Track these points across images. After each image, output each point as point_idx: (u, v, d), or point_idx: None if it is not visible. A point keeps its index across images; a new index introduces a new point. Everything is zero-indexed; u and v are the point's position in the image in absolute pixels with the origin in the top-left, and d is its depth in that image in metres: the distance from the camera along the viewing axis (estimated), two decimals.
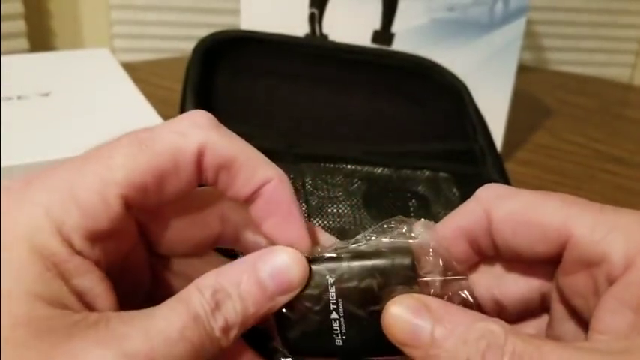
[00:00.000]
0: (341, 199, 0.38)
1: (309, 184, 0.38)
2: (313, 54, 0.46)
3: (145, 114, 0.48)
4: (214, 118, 0.24)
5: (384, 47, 0.58)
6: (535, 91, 0.85)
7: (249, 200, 0.24)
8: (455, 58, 0.58)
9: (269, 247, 0.24)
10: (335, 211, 0.37)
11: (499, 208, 0.24)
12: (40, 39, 1.17)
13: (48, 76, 0.54)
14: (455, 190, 0.41)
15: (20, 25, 1.10)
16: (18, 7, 1.09)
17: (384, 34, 0.57)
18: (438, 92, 0.50)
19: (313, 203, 0.37)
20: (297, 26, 0.57)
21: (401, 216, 0.25)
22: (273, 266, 0.23)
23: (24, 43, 1.11)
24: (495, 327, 0.21)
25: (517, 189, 0.25)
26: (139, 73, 0.62)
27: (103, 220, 0.21)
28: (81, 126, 0.45)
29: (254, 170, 0.23)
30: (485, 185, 0.26)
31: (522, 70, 0.61)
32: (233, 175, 0.23)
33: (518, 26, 0.57)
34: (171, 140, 0.22)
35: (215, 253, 0.27)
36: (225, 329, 0.21)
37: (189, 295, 0.21)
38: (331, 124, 0.43)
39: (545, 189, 0.48)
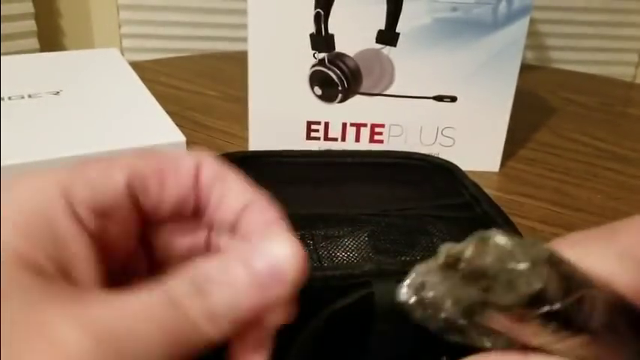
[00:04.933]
0: (347, 241, 0.40)
1: (318, 234, 0.40)
2: (313, 162, 0.50)
3: (153, 112, 0.48)
4: None
5: (377, 149, 0.61)
6: (538, 89, 0.85)
7: (238, 215, 0.25)
8: (458, 58, 0.58)
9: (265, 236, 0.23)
10: (344, 254, 0.39)
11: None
12: (50, 38, 1.17)
13: (58, 75, 0.55)
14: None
15: (31, 25, 1.11)
16: (28, 7, 1.10)
17: (388, 34, 0.58)
18: (433, 173, 0.54)
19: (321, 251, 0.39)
20: (302, 26, 0.57)
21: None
22: (269, 254, 0.21)
23: (34, 42, 1.12)
24: None
25: None
26: (148, 72, 0.63)
27: (110, 195, 0.23)
28: (90, 124, 0.46)
29: (245, 186, 0.25)
30: None
31: (525, 68, 0.61)
32: (227, 187, 0.25)
33: (521, 26, 0.57)
34: (173, 154, 0.25)
35: None
36: (211, 318, 0.20)
37: (169, 279, 0.21)
38: (334, 213, 0.45)
39: (547, 187, 0.49)
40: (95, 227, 0.22)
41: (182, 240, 0.26)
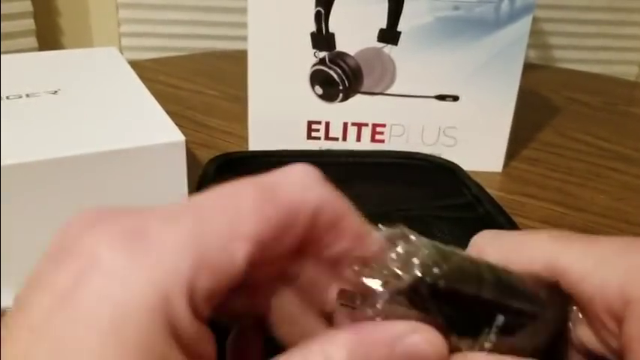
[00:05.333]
0: None
1: None
2: (314, 162, 0.52)
3: (153, 112, 0.48)
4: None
5: (378, 149, 0.61)
6: (541, 89, 0.85)
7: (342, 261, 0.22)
8: (460, 57, 0.58)
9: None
10: None
11: (488, 253, 0.24)
12: (49, 37, 1.17)
13: (56, 74, 0.54)
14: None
15: (29, 24, 1.11)
16: (27, 6, 1.10)
17: (390, 33, 0.57)
18: (435, 173, 0.55)
19: None
20: (303, 24, 0.57)
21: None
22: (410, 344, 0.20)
23: (33, 41, 1.12)
24: None
25: (508, 231, 0.25)
26: (147, 71, 0.62)
27: (226, 279, 0.19)
28: (89, 123, 0.45)
29: (361, 231, 0.22)
30: (480, 232, 0.25)
31: (528, 68, 0.60)
32: (341, 231, 0.22)
33: (524, 24, 0.57)
34: (294, 192, 0.21)
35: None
36: None
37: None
38: None
39: (550, 187, 0.48)
40: (207, 312, 0.19)
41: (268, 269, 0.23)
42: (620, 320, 0.21)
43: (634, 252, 0.22)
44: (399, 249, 0.21)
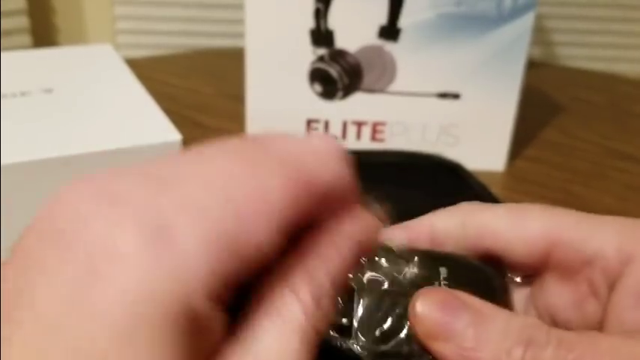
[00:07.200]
0: None
1: None
2: None
3: (148, 110, 0.47)
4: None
5: (379, 148, 0.60)
6: (544, 87, 0.84)
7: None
8: (462, 54, 0.57)
9: None
10: None
11: (475, 217, 0.24)
12: (43, 35, 1.16)
13: (51, 72, 0.54)
14: None
15: (23, 21, 1.10)
16: (21, 3, 1.09)
17: (390, 29, 0.56)
18: (437, 172, 0.55)
19: None
20: (302, 21, 0.56)
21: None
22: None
23: (27, 39, 1.11)
24: (537, 321, 0.21)
25: (493, 204, 0.25)
26: (142, 69, 0.61)
27: (249, 265, 0.17)
28: (84, 122, 0.45)
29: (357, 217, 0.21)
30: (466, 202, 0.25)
31: (531, 65, 0.60)
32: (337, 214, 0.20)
33: (527, 21, 0.56)
34: (319, 171, 0.19)
35: None
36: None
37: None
38: None
39: (554, 186, 0.47)
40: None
41: None
42: (613, 281, 0.22)
43: (625, 219, 0.23)
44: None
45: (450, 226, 0.25)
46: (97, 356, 0.15)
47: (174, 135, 0.44)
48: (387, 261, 0.24)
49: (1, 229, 0.38)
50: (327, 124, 0.60)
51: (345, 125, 0.60)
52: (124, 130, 0.44)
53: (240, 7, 0.56)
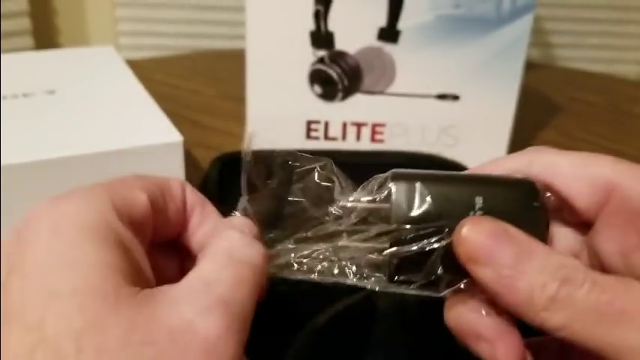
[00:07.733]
0: None
1: None
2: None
3: (150, 112, 0.48)
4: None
5: (378, 149, 0.61)
6: (543, 88, 0.84)
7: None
8: (461, 56, 0.57)
9: None
10: None
11: (543, 157, 0.25)
12: (45, 37, 1.16)
13: (53, 73, 0.54)
14: None
15: (25, 23, 1.10)
16: (23, 5, 1.09)
17: (389, 31, 0.57)
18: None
19: None
20: (302, 23, 0.56)
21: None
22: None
23: (29, 40, 1.11)
24: (575, 261, 0.22)
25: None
26: (144, 70, 0.62)
27: (138, 210, 0.24)
28: (86, 123, 0.45)
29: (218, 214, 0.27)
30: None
31: (530, 67, 0.60)
32: (206, 213, 0.27)
33: (525, 23, 0.56)
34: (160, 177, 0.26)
35: None
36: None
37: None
38: None
39: None
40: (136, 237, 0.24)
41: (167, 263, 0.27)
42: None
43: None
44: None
45: (518, 164, 0.26)
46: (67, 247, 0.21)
47: (175, 136, 0.44)
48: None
49: (1, 229, 0.38)
50: (326, 125, 0.60)
51: (344, 126, 0.60)
52: (125, 131, 0.44)
53: (241, 9, 0.57)
